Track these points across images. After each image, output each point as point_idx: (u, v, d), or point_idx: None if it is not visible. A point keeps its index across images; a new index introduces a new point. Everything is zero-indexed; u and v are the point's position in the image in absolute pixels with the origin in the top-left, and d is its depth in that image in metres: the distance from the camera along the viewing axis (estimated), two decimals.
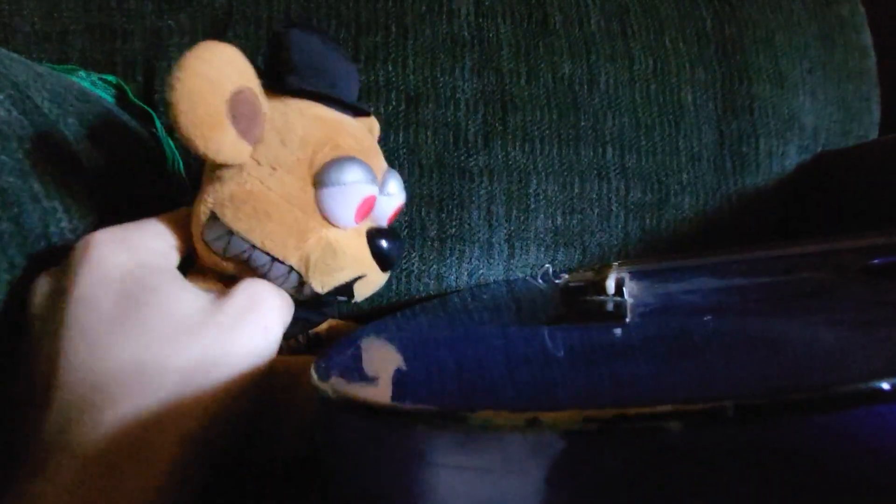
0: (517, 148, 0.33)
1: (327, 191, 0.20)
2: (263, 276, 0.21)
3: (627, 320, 0.15)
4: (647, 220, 0.36)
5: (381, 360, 0.18)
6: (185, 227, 0.21)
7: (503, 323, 0.19)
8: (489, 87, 0.34)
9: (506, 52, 0.34)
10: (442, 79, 0.33)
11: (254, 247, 0.20)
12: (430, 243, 0.32)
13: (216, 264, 0.21)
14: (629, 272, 0.20)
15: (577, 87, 0.35)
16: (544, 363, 0.13)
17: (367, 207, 0.21)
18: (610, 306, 0.16)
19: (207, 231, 0.20)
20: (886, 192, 0.36)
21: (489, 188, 0.33)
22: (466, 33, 0.34)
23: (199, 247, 0.21)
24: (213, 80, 0.18)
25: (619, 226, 0.35)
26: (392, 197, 0.23)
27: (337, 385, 0.12)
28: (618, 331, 0.14)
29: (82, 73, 0.32)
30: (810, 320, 0.13)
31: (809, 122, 0.40)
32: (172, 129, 0.19)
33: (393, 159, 0.32)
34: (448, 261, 0.32)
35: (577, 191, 0.34)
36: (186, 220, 0.21)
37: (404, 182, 0.25)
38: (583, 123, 0.35)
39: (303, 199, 0.20)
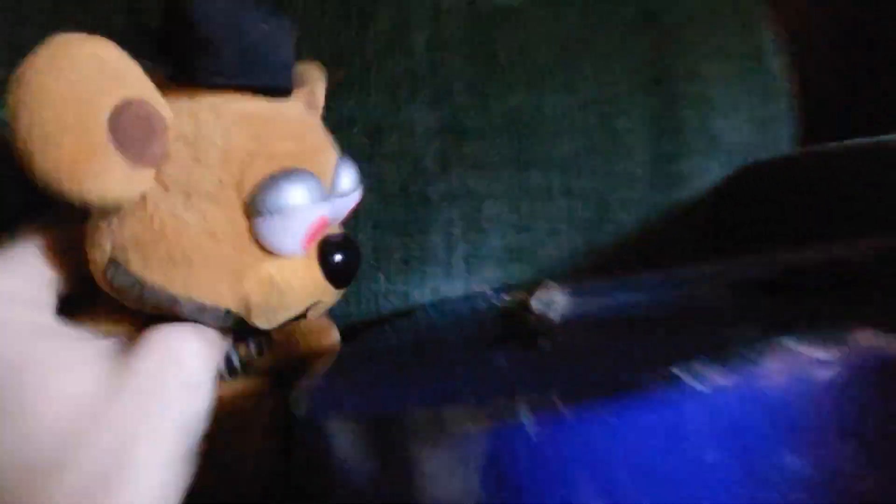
0: (472, 174, 0.37)
1: (266, 221, 0.16)
2: (191, 320, 0.17)
3: (543, 337, 0.18)
4: (591, 236, 0.40)
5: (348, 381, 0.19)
6: (71, 249, 0.16)
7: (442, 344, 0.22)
8: (445, 118, 0.37)
9: (459, 86, 0.37)
10: (402, 112, 0.36)
11: (176, 297, 0.16)
12: (395, 265, 0.35)
13: (128, 304, 0.17)
14: (560, 289, 0.23)
15: (525, 117, 0.38)
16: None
17: (318, 229, 0.18)
18: (532, 323, 0.19)
19: (113, 278, 0.16)
20: (803, 196, 0.41)
21: (448, 212, 0.36)
22: (423, 68, 0.37)
23: (103, 286, 0.17)
24: (79, 97, 0.13)
25: (566, 242, 0.39)
26: (346, 196, 0.20)
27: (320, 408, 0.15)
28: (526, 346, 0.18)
29: None
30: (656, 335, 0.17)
31: (732, 140, 0.45)
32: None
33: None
34: (412, 280, 0.35)
35: (526, 211, 0.37)
36: (72, 240, 0.16)
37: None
38: (531, 149, 0.38)
39: (232, 232, 0.16)
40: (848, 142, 0.39)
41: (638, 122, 0.41)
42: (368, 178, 0.36)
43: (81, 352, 0.14)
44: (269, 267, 0.17)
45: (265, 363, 0.21)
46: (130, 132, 0.14)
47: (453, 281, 0.36)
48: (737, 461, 0.10)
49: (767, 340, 0.10)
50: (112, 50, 0.14)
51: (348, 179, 0.20)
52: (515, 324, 0.19)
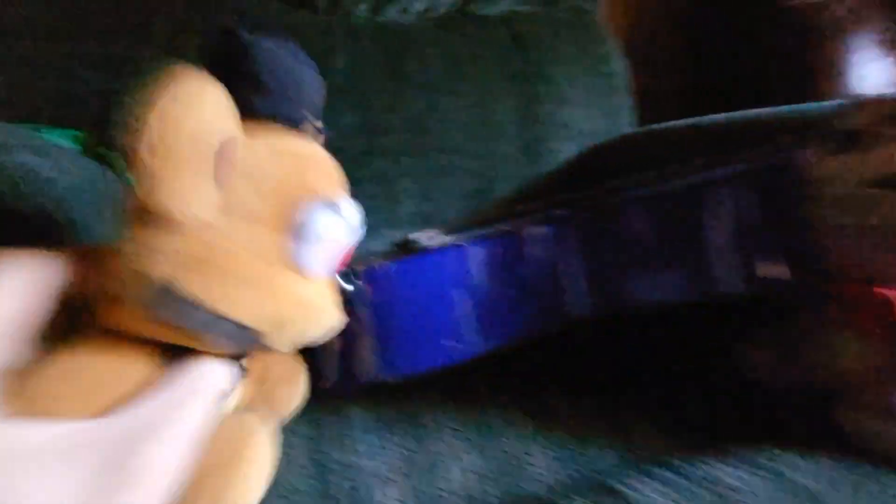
0: (387, 160, 0.49)
1: (307, 247, 0.19)
2: (211, 341, 0.18)
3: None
4: (480, 202, 0.54)
5: None
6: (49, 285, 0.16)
7: None
8: (363, 119, 0.49)
9: (373, 94, 0.50)
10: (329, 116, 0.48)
11: (218, 316, 0.17)
12: None
13: (145, 331, 0.17)
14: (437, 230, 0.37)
15: (424, 116, 0.51)
16: None
17: (348, 257, 0.21)
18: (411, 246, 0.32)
19: (160, 306, 0.16)
20: (631, 163, 0.58)
21: (371, 189, 0.49)
22: (344, 82, 0.49)
23: (116, 315, 0.17)
24: (197, 131, 0.15)
25: (461, 208, 0.53)
26: (360, 228, 0.22)
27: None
28: None
29: (44, 130, 0.41)
30: None
31: (583, 127, 0.61)
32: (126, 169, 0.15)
33: None
34: None
35: (429, 186, 0.51)
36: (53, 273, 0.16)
37: None
38: (431, 141, 0.51)
39: (273, 252, 0.18)
40: (657, 125, 0.56)
41: (510, 115, 0.56)
42: None
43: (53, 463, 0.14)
44: (304, 289, 0.19)
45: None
46: (223, 163, 0.16)
47: (378, 241, 0.49)
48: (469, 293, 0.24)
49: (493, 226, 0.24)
50: (221, 91, 0.16)
51: (357, 212, 0.21)
52: (402, 246, 0.32)
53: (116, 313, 0.17)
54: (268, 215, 0.18)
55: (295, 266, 0.19)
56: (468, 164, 0.53)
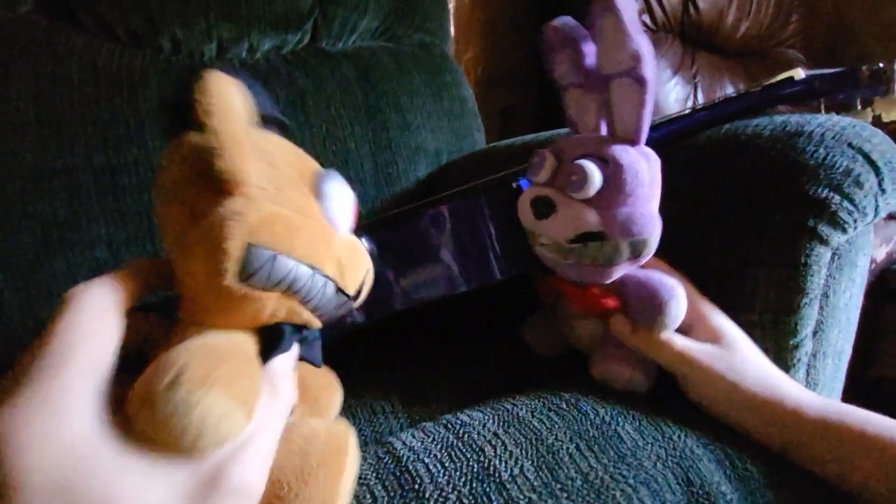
0: None
1: (329, 203, 0.22)
2: (304, 296, 0.20)
3: None
4: None
5: None
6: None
7: None
8: None
9: None
10: None
11: (298, 262, 0.20)
12: None
13: (231, 309, 0.19)
14: None
15: None
16: None
17: (356, 211, 0.24)
18: None
19: (248, 264, 0.18)
20: (476, 175, 0.65)
21: None
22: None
23: (217, 301, 0.19)
24: (237, 108, 0.19)
25: None
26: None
27: None
28: None
29: None
30: None
31: (432, 148, 0.68)
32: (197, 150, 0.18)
33: None
34: None
35: None
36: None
37: None
38: None
39: (314, 210, 0.21)
40: (497, 143, 0.64)
41: (361, 143, 0.61)
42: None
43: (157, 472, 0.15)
44: (345, 238, 0.22)
45: None
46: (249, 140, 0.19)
47: None
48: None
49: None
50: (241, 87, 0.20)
51: None
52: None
53: (214, 300, 0.19)
54: (291, 181, 0.21)
55: (326, 220, 0.22)
56: None
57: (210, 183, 0.19)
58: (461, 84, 0.74)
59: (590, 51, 0.30)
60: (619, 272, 0.30)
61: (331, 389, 0.29)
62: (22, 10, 0.49)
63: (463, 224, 0.31)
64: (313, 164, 0.23)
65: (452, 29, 0.88)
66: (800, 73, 0.38)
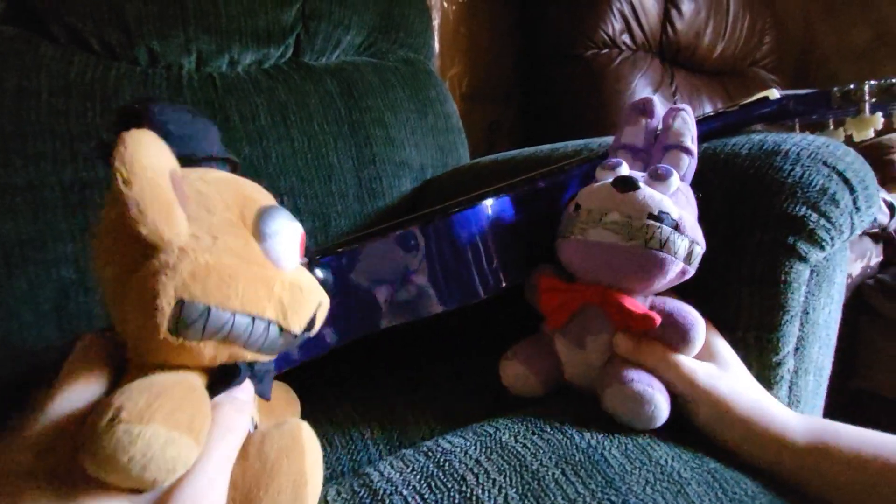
0: None
1: (271, 241, 0.21)
2: (244, 342, 0.20)
3: None
4: (319, 241, 0.57)
5: None
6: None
7: None
8: None
9: None
10: None
11: (234, 313, 0.20)
12: None
13: (171, 356, 0.20)
14: None
15: (254, 164, 0.54)
16: None
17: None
18: None
19: (182, 318, 0.19)
20: (460, 191, 0.65)
21: None
22: None
23: (156, 348, 0.20)
24: (157, 167, 0.18)
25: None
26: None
27: None
28: None
29: None
30: None
31: (417, 163, 0.68)
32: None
33: None
34: None
35: None
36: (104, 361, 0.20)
37: None
38: (263, 186, 0.54)
39: (253, 254, 0.21)
40: (482, 159, 0.64)
41: (345, 158, 0.61)
42: None
43: None
44: (287, 275, 0.22)
45: None
46: (179, 191, 0.19)
47: None
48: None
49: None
50: (154, 135, 0.19)
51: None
52: None
53: (153, 348, 0.20)
54: (228, 225, 0.21)
55: (269, 262, 0.21)
56: (306, 204, 0.57)
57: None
58: (446, 100, 0.74)
59: (654, 125, 0.36)
60: (665, 278, 0.30)
61: (292, 404, 0.29)
62: None
63: (454, 236, 0.31)
64: (257, 201, 0.23)
65: (437, 45, 0.89)
66: (775, 94, 0.39)
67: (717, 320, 0.33)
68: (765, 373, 0.34)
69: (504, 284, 0.32)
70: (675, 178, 0.30)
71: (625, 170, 0.32)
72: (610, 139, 0.41)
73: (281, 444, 0.21)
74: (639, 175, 0.32)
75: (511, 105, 1.01)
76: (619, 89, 0.83)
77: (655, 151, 0.35)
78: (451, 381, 0.38)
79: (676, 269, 0.29)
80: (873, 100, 0.36)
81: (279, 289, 0.21)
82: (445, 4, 0.91)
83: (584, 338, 0.32)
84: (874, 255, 0.62)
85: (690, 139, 0.34)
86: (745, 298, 0.33)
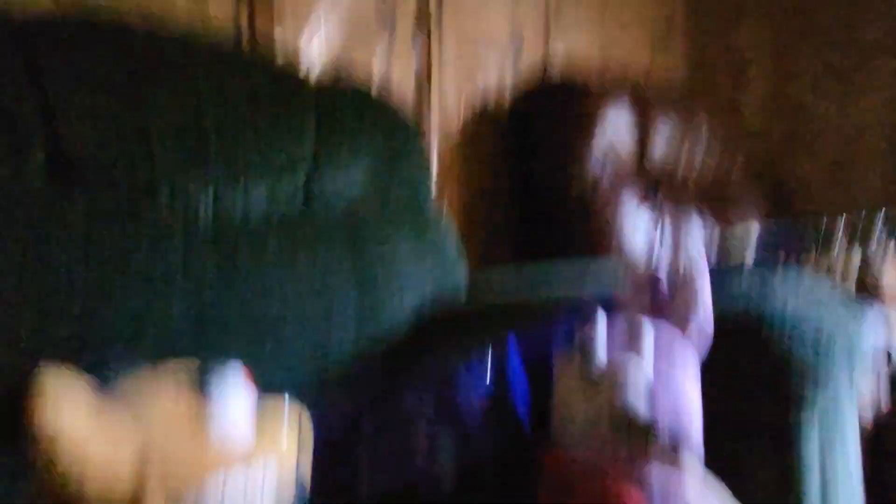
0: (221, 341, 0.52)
1: (225, 422, 0.23)
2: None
3: None
4: (318, 368, 0.57)
5: None
6: None
7: None
8: (196, 311, 0.52)
9: (208, 288, 0.54)
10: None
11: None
12: None
13: None
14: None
15: (260, 303, 0.56)
16: None
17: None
18: None
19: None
20: (464, 329, 0.66)
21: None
22: (179, 273, 0.53)
23: None
24: (76, 420, 0.20)
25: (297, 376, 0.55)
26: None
27: None
28: None
29: None
30: None
31: (416, 298, 0.69)
32: None
33: None
34: None
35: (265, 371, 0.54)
36: None
37: None
38: (266, 328, 0.55)
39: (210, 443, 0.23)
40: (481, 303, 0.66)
41: (346, 300, 0.62)
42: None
43: None
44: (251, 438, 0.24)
45: None
46: None
47: None
48: None
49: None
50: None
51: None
52: None
53: None
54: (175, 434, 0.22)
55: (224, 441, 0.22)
56: (302, 336, 0.57)
57: None
58: (446, 235, 0.77)
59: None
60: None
61: None
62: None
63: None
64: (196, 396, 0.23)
65: (434, 173, 0.97)
66: (754, 228, 0.42)
67: (737, 479, 0.32)
68: None
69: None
70: (647, 346, 0.29)
71: (601, 341, 0.31)
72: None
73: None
74: None
75: (503, 232, 1.07)
76: (606, 219, 0.91)
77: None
78: None
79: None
80: (847, 234, 0.39)
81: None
82: (443, 140, 1.01)
83: None
84: (883, 392, 0.61)
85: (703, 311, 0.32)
86: (756, 454, 0.32)
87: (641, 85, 1.17)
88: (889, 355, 0.62)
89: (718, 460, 0.32)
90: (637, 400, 0.28)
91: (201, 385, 0.23)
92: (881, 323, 0.45)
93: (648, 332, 0.29)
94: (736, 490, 0.31)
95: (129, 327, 0.49)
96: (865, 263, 0.63)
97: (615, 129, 1.02)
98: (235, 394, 0.23)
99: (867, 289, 0.58)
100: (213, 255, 0.55)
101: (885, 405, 0.63)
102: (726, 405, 0.35)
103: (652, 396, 0.28)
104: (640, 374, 0.28)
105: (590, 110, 1.00)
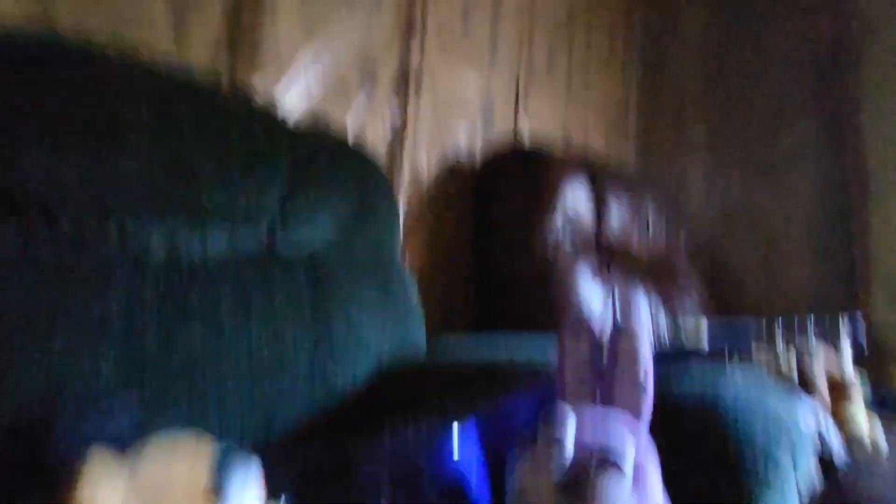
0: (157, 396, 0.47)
1: None
2: None
3: None
4: (265, 435, 0.53)
5: None
6: None
7: None
8: (133, 361, 0.47)
9: (150, 333, 0.49)
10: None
11: None
12: None
13: None
14: None
15: (207, 356, 0.52)
16: None
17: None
18: None
19: None
20: (421, 393, 0.63)
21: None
22: (117, 317, 0.48)
23: None
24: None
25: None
26: None
27: None
28: None
29: None
30: None
31: (375, 349, 0.67)
32: None
33: None
34: None
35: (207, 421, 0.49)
36: None
37: None
38: (208, 386, 0.51)
39: None
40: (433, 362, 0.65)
41: (301, 348, 0.59)
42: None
43: None
44: None
45: None
46: None
47: None
48: None
49: None
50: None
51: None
52: None
53: None
54: None
55: None
56: (252, 397, 0.53)
57: None
58: (409, 291, 0.77)
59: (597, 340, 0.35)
60: None
61: None
62: None
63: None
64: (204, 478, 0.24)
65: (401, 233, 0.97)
66: (703, 325, 0.45)
67: None
68: None
69: None
70: (630, 458, 0.27)
71: (569, 440, 0.28)
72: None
73: None
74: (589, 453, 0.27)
75: (467, 287, 1.08)
76: (565, 288, 0.93)
77: (605, 384, 0.33)
78: None
79: None
80: (785, 336, 0.42)
81: None
82: (411, 198, 1.02)
83: None
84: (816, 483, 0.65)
85: (643, 372, 0.32)
86: None
87: (598, 162, 1.26)
88: (821, 440, 0.66)
89: None
90: None
91: (219, 474, 0.23)
92: (814, 412, 0.48)
93: (624, 430, 0.29)
94: None
95: (51, 373, 0.43)
96: (800, 361, 0.69)
97: (574, 200, 1.08)
98: (250, 496, 0.23)
99: (803, 383, 0.63)
100: (159, 300, 0.51)
101: (818, 486, 0.66)
102: (681, 482, 0.35)
103: None
104: (622, 491, 0.26)
105: (553, 179, 1.05)
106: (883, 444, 0.76)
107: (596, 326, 0.36)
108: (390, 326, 0.71)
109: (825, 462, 0.72)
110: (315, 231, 0.69)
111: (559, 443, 0.27)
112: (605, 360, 0.34)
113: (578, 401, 0.33)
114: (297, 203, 0.67)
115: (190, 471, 0.24)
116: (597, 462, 0.26)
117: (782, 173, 1.42)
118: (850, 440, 0.73)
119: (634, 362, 0.34)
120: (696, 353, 0.44)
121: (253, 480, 0.24)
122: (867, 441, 0.73)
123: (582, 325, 0.36)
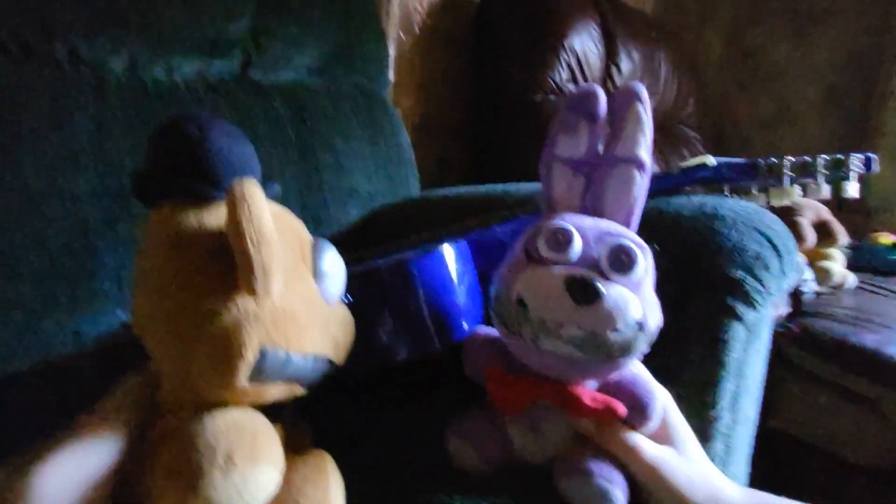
0: (132, 228, 0.46)
1: (327, 282, 0.23)
2: (306, 381, 0.21)
3: None
4: None
5: None
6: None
7: None
8: (110, 184, 0.45)
9: (123, 158, 0.46)
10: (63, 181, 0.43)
11: (305, 356, 0.21)
12: (64, 310, 0.41)
13: (234, 400, 0.20)
14: None
15: None
16: None
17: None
18: None
19: (261, 366, 0.19)
20: (409, 223, 0.63)
21: (116, 258, 0.44)
22: (85, 144, 0.45)
23: (221, 392, 0.20)
24: (273, 229, 0.20)
25: None
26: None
27: None
28: None
29: None
30: None
31: (365, 192, 0.66)
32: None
33: None
34: (84, 319, 0.42)
35: None
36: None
37: None
38: None
39: (314, 295, 0.22)
40: (432, 192, 0.63)
41: (291, 184, 0.57)
42: (30, 240, 0.41)
43: None
44: (336, 312, 0.24)
45: None
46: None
47: (125, 313, 0.44)
48: None
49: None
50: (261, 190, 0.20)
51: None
52: None
53: (218, 396, 0.20)
54: (294, 269, 0.22)
55: (323, 301, 0.23)
56: None
57: (215, 275, 0.19)
58: (398, 130, 0.73)
59: (601, 132, 0.29)
60: (623, 370, 0.28)
61: (317, 485, 0.24)
62: None
63: (413, 283, 0.29)
64: (306, 236, 0.24)
65: (392, 75, 0.88)
66: (711, 160, 0.42)
67: (663, 375, 0.34)
68: (703, 426, 0.35)
69: (464, 335, 0.31)
70: (641, 264, 0.26)
71: (577, 246, 0.26)
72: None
73: (306, 473, 0.22)
74: (592, 248, 0.26)
75: (462, 141, 1.03)
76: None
77: (603, 164, 0.29)
78: (394, 456, 0.35)
79: (628, 364, 0.28)
80: (792, 174, 0.40)
81: (335, 328, 0.23)
82: (402, 36, 0.92)
83: (539, 423, 0.29)
84: (783, 307, 0.69)
85: (645, 148, 0.28)
86: (687, 357, 0.34)
87: (613, 6, 1.11)
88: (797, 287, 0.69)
89: (650, 365, 0.34)
90: (627, 330, 0.25)
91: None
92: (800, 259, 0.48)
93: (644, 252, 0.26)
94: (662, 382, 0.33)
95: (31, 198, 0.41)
96: (796, 205, 0.68)
97: (582, 39, 0.98)
98: (336, 268, 0.24)
99: (793, 229, 0.63)
100: (127, 122, 0.47)
101: (783, 311, 0.72)
102: (664, 306, 0.34)
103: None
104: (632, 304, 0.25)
105: (560, 13, 0.94)
106: (852, 278, 0.81)
107: (600, 115, 0.29)
108: (382, 173, 0.68)
109: (793, 292, 0.77)
110: (293, 60, 0.62)
111: (566, 231, 0.26)
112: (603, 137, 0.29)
113: (568, 210, 0.30)
114: (271, 31, 0.59)
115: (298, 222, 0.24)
116: (611, 257, 0.26)
117: (808, 30, 1.28)
118: (822, 271, 0.77)
119: (636, 141, 0.28)
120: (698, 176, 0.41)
121: (342, 265, 0.24)
122: (837, 272, 0.78)
123: (587, 107, 0.29)
